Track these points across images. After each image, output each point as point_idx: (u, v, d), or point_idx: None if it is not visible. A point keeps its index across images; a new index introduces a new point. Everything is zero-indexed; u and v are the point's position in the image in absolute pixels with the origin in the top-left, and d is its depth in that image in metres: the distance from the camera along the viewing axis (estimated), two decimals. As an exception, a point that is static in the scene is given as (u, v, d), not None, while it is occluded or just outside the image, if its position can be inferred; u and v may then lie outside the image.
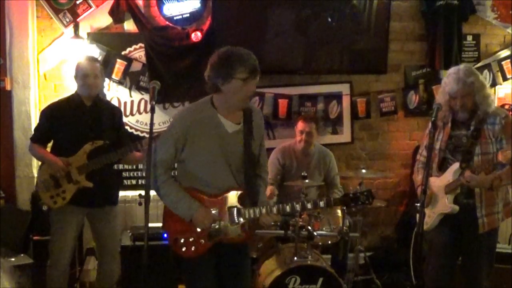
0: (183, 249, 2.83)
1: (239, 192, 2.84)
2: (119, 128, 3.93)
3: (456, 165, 3.31)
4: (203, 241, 2.82)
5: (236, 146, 2.82)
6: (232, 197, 2.83)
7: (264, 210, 2.81)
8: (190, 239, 2.82)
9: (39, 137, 3.80)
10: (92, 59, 3.87)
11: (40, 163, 3.91)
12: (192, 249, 2.82)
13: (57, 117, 3.74)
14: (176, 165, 2.93)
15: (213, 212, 2.81)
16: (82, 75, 3.70)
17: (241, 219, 2.82)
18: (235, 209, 2.81)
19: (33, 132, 3.89)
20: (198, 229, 2.81)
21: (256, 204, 2.84)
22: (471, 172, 3.19)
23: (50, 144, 3.86)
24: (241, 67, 2.65)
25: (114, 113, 3.93)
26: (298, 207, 2.85)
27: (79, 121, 3.73)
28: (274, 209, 2.82)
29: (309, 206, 2.85)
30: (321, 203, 2.87)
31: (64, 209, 3.70)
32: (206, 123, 2.78)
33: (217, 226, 2.81)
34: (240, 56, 2.67)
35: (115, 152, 3.69)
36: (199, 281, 2.87)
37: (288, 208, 2.83)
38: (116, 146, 3.74)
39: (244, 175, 2.84)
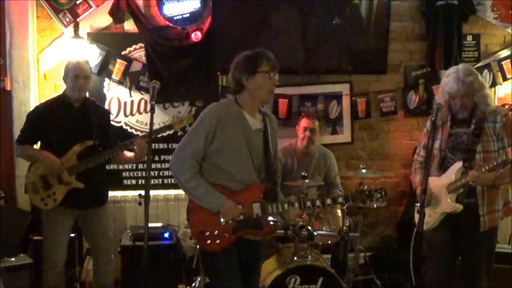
0: (208, 241, 2.89)
1: (263, 187, 2.92)
2: (107, 128, 3.92)
3: (458, 164, 3.30)
4: (227, 234, 2.88)
5: (258, 143, 2.94)
6: (255, 192, 2.91)
7: (286, 205, 2.91)
8: (215, 232, 2.88)
9: (27, 138, 3.77)
10: (83, 61, 3.85)
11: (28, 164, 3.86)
12: (217, 242, 2.88)
13: (45, 119, 3.72)
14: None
15: (238, 206, 2.88)
16: (72, 76, 3.69)
17: (265, 213, 2.90)
18: (259, 203, 2.89)
19: (19, 134, 3.83)
20: (222, 222, 2.87)
21: (276, 200, 2.95)
22: (475, 170, 3.19)
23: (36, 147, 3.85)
24: (264, 61, 2.87)
25: (102, 114, 3.93)
26: (318, 202, 2.94)
27: (67, 122, 3.71)
28: (296, 204, 2.91)
29: (328, 201, 2.94)
30: (340, 199, 2.98)
31: (55, 210, 3.69)
32: (233, 118, 2.89)
33: (242, 218, 2.87)
34: (262, 52, 2.91)
35: (105, 152, 3.68)
36: (225, 275, 2.92)
37: (308, 203, 2.92)
38: (105, 146, 3.74)
39: (266, 171, 2.95)
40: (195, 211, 2.93)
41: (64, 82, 3.80)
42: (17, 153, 3.90)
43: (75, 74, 3.71)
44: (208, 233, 2.88)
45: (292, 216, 2.97)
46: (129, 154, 3.79)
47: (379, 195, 2.95)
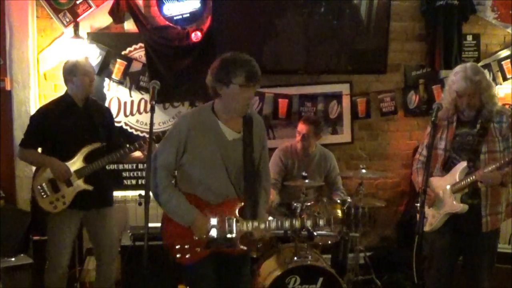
0: (178, 255, 2.81)
1: (238, 204, 2.81)
2: (111, 127, 3.92)
3: (462, 165, 3.29)
4: (198, 249, 2.80)
5: (236, 154, 2.81)
6: (231, 208, 2.80)
7: (262, 226, 2.78)
8: (186, 246, 2.80)
9: (32, 142, 3.73)
10: (86, 58, 3.91)
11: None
12: (187, 256, 2.80)
13: (50, 120, 3.68)
14: (176, 172, 2.91)
15: (212, 220, 2.77)
16: (82, 73, 3.67)
17: (238, 231, 2.77)
18: (234, 220, 2.78)
19: (23, 137, 3.78)
20: (194, 236, 2.79)
21: (255, 216, 2.82)
22: (482, 169, 3.17)
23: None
24: (239, 72, 2.64)
25: (104, 113, 3.93)
26: (297, 224, 2.84)
27: (73, 123, 3.69)
28: (273, 225, 2.79)
29: (308, 223, 2.84)
30: (321, 222, 2.84)
31: (62, 213, 3.68)
32: (206, 128, 2.77)
33: (215, 234, 2.77)
34: (240, 61, 2.66)
35: (113, 154, 3.67)
36: (200, 284, 2.86)
37: (287, 224, 2.81)
38: (110, 147, 3.73)
39: (244, 185, 2.82)
40: (168, 222, 2.84)
41: (67, 83, 3.75)
42: (20, 156, 3.83)
43: (87, 71, 3.70)
44: (178, 246, 2.79)
45: (257, 236, 2.82)
46: (136, 154, 3.77)
47: (365, 220, 2.86)
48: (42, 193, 3.67)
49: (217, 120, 2.78)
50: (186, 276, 2.95)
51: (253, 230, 2.78)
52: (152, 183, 2.76)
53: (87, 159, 3.67)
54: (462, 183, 3.27)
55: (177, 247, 2.80)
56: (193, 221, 2.76)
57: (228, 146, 2.79)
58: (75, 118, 3.70)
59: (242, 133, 2.81)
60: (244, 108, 2.75)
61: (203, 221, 2.76)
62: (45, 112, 3.77)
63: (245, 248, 2.84)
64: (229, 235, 2.77)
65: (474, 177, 3.21)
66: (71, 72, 3.71)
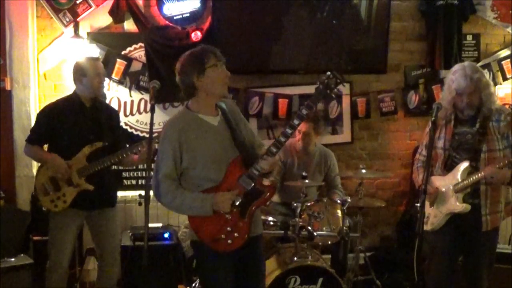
0: (229, 241, 2.83)
1: (238, 161, 2.84)
2: (117, 129, 3.92)
3: (463, 164, 3.29)
4: (240, 223, 2.83)
5: (225, 135, 2.88)
6: (235, 169, 2.83)
7: (268, 157, 2.80)
8: (228, 229, 2.83)
9: (37, 138, 3.74)
10: (97, 58, 3.91)
11: (39, 165, 3.87)
12: (236, 235, 2.83)
13: (57, 118, 3.68)
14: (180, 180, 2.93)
15: (229, 193, 2.80)
16: (93, 74, 3.66)
17: (254, 178, 2.81)
18: (244, 176, 2.82)
19: (29, 133, 3.80)
20: (228, 216, 2.80)
21: (256, 158, 2.85)
22: (491, 166, 3.16)
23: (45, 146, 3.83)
24: (206, 56, 2.81)
25: (111, 114, 3.92)
26: (288, 130, 2.83)
27: (79, 122, 3.69)
28: (273, 148, 2.81)
29: (296, 122, 2.84)
30: (303, 111, 2.82)
31: (64, 212, 3.67)
32: (192, 126, 2.84)
33: (240, 200, 2.80)
34: (201, 50, 2.86)
35: (115, 154, 3.67)
36: (217, 280, 2.88)
37: (282, 138, 2.83)
38: (114, 148, 3.73)
39: (238, 150, 2.86)
40: (200, 226, 2.85)
41: (76, 82, 3.73)
42: (26, 152, 3.84)
43: (97, 72, 3.69)
44: (223, 235, 2.82)
45: (269, 166, 2.82)
46: (135, 156, 3.77)
47: (333, 81, 2.77)
48: (44, 191, 3.68)
49: (197, 115, 2.87)
50: (204, 272, 2.98)
51: (263, 165, 2.81)
52: (158, 197, 2.82)
53: (89, 158, 3.66)
54: (465, 182, 3.27)
55: (222, 236, 2.82)
56: (212, 202, 2.78)
57: (216, 130, 2.87)
58: (81, 118, 3.70)
59: (220, 114, 2.92)
60: (225, 86, 2.89)
61: (221, 196, 2.79)
62: (51, 109, 3.76)
63: (269, 187, 2.89)
64: (250, 188, 2.81)
65: (482, 173, 3.18)
66: (81, 72, 3.69)
